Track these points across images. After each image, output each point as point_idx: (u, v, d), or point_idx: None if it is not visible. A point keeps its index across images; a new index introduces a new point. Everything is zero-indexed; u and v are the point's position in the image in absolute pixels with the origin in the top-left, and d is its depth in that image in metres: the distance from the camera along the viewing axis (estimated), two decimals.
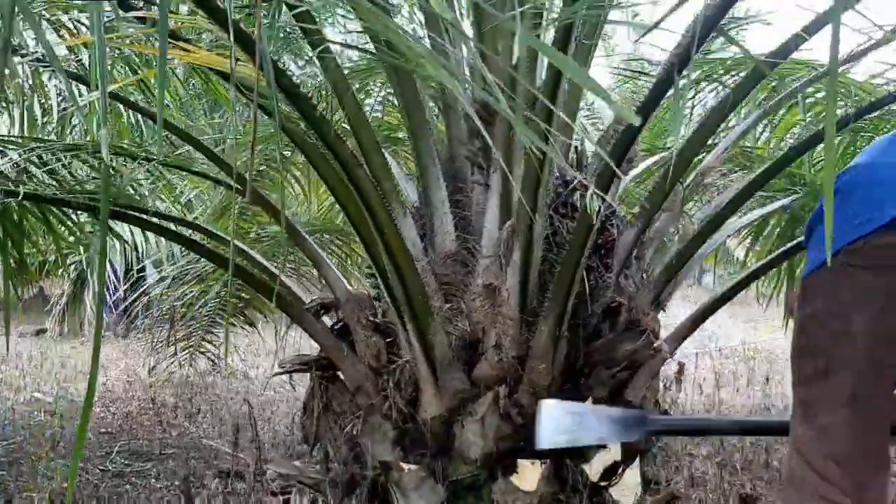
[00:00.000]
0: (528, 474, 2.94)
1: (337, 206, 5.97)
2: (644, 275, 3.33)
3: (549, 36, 3.43)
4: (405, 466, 2.96)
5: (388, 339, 3.23)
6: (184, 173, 4.79)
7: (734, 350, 9.69)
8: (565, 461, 3.00)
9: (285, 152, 5.50)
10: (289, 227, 3.33)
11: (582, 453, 3.02)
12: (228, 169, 3.35)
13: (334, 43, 2.50)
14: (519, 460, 2.94)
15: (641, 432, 2.32)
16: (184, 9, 2.28)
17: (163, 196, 4.64)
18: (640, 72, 3.92)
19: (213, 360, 7.33)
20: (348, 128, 2.82)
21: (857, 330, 1.66)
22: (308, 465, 3.52)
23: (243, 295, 6.05)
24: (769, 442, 4.81)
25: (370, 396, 3.16)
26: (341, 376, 3.46)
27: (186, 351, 6.57)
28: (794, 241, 3.72)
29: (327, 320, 3.55)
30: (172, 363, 6.62)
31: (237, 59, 1.92)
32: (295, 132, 2.55)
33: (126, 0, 2.20)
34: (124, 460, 4.77)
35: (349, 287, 3.41)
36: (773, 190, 4.38)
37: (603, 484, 3.07)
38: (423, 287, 2.84)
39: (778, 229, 4.95)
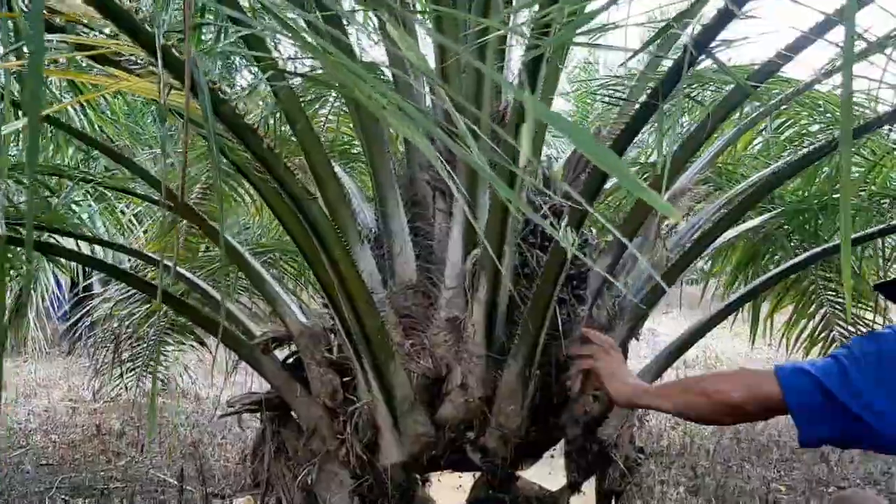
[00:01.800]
0: None
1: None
2: (616, 304, 3.13)
3: (514, 55, 3.26)
4: None
5: (345, 378, 3.01)
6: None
7: (696, 359, 9.61)
8: None
9: (229, 171, 5.27)
10: (231, 250, 3.08)
11: (555, 500, 2.83)
12: (165, 190, 3.10)
13: (288, 73, 2.26)
14: None
15: None
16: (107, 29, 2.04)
17: (102, 218, 4.38)
18: (620, 98, 3.73)
19: (162, 381, 7.04)
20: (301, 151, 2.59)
21: None
22: None
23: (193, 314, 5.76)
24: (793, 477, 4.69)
25: (325, 441, 2.92)
26: (293, 416, 3.23)
27: (133, 372, 6.27)
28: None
29: (278, 353, 3.31)
30: (118, 385, 6.31)
31: (171, 87, 1.68)
32: (239, 160, 2.31)
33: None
34: (65, 496, 4.48)
35: (302, 318, 3.17)
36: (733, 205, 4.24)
37: None
38: (383, 325, 2.61)
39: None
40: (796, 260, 3.44)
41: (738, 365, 8.89)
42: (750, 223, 3.80)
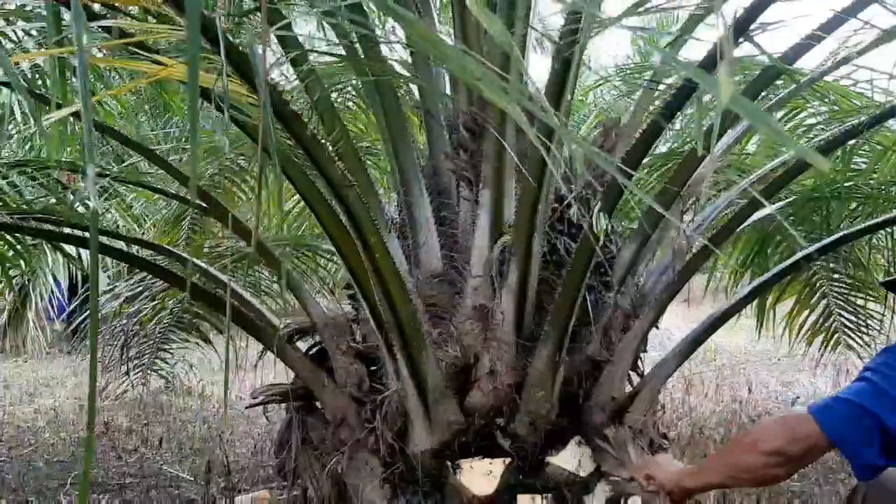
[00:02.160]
0: None
1: (293, 216, 5.79)
2: (638, 291, 3.15)
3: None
4: None
5: (371, 366, 3.03)
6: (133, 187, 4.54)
7: (695, 353, 9.62)
8: (566, 494, 2.82)
9: (241, 163, 5.27)
10: (260, 245, 3.08)
11: (585, 485, 2.84)
12: (186, 181, 3.11)
13: (319, 55, 2.27)
14: (519, 496, 2.75)
15: None
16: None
17: (117, 212, 4.37)
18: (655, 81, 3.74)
19: (166, 379, 7.02)
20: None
21: None
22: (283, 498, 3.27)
23: (196, 310, 5.77)
24: None
25: (354, 429, 2.93)
26: (318, 406, 3.25)
27: (139, 370, 6.25)
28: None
29: (301, 345, 3.32)
30: (125, 383, 6.29)
31: (218, 74, 1.69)
32: (277, 148, 2.32)
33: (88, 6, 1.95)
34: (78, 492, 4.47)
35: (325, 309, 3.18)
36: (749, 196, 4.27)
37: None
38: (415, 312, 2.63)
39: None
40: (815, 247, 3.42)
41: (736, 358, 8.94)
42: (762, 212, 3.81)
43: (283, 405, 3.58)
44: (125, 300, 5.32)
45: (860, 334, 5.86)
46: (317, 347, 3.23)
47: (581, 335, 2.88)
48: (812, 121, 4.62)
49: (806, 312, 5.90)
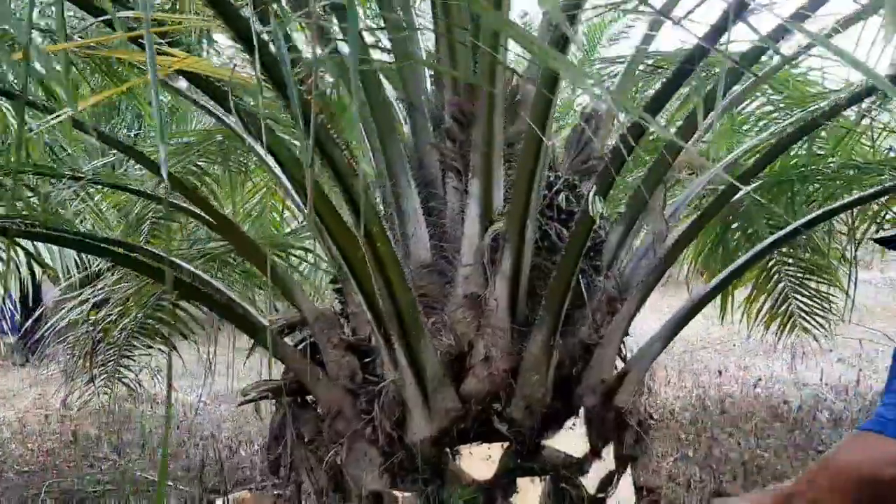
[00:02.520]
0: (530, 493, 2.79)
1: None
2: (621, 275, 3.22)
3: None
4: (398, 494, 2.77)
5: (364, 359, 3.05)
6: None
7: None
8: (562, 474, 2.87)
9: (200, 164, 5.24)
10: (249, 243, 3.08)
11: (580, 465, 2.90)
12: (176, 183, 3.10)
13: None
14: (518, 479, 2.79)
15: None
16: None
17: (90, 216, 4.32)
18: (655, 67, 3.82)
19: (129, 387, 6.94)
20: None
21: None
22: (275, 494, 3.27)
23: (162, 316, 5.71)
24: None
25: (350, 421, 2.95)
26: (309, 400, 3.26)
27: (102, 378, 6.16)
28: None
29: (288, 341, 3.32)
30: (88, 392, 6.19)
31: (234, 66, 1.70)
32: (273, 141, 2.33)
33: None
34: (54, 499, 4.41)
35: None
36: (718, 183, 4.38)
37: (600, 496, 2.95)
38: (414, 301, 2.65)
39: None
40: (786, 231, 3.50)
41: (693, 345, 9.07)
42: (739, 194, 3.89)
43: (257, 404, 3.60)
44: (92, 307, 5.25)
45: (815, 317, 6.04)
46: (305, 342, 3.23)
47: (572, 319, 2.93)
48: (769, 108, 4.77)
49: (763, 297, 6.05)
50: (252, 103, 2.63)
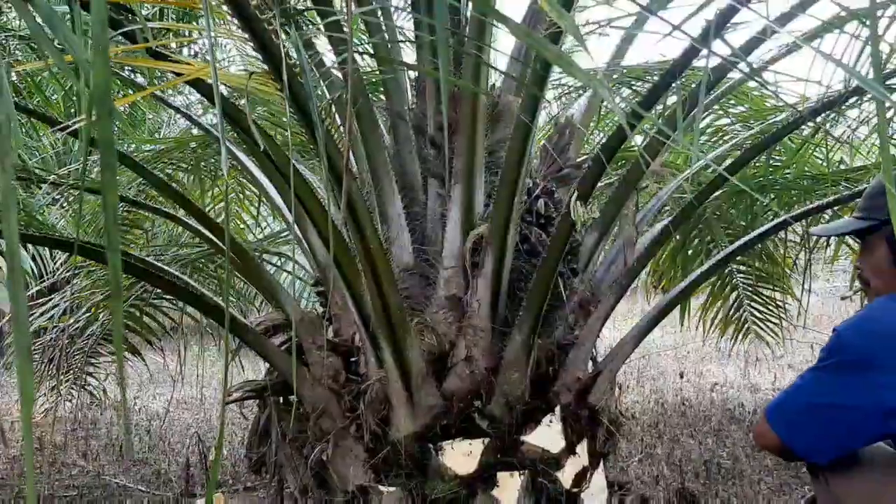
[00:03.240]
0: (509, 487, 2.90)
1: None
2: (593, 279, 3.35)
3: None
4: (383, 489, 2.86)
5: (350, 359, 3.14)
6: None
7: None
8: (539, 469, 2.99)
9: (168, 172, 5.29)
10: (236, 246, 3.16)
11: (556, 460, 3.02)
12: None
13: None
14: (499, 474, 2.90)
15: None
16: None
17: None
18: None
19: (92, 394, 6.93)
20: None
21: None
22: (266, 495, 3.34)
23: (129, 323, 5.73)
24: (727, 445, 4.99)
25: (335, 419, 3.04)
26: (292, 400, 3.33)
27: (66, 385, 6.15)
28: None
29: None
30: (53, 399, 6.17)
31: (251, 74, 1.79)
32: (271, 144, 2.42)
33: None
34: None
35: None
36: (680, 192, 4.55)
37: (575, 490, 3.07)
38: (402, 301, 2.76)
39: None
40: (744, 240, 3.65)
41: (648, 351, 9.27)
42: (710, 198, 4.03)
43: (239, 403, 3.66)
44: (63, 313, 5.25)
45: (769, 324, 6.26)
46: (287, 343, 3.31)
47: (550, 320, 3.06)
48: (725, 121, 4.98)
49: (718, 304, 6.25)
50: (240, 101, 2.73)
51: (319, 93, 2.42)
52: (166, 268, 3.40)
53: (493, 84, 3.36)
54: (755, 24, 2.64)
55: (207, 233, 3.24)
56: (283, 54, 1.48)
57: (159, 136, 6.55)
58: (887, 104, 3.29)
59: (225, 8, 1.64)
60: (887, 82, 3.40)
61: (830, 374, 1.83)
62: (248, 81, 1.78)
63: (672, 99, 3.72)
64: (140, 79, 4.02)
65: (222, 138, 1.01)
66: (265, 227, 6.17)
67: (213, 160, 4.92)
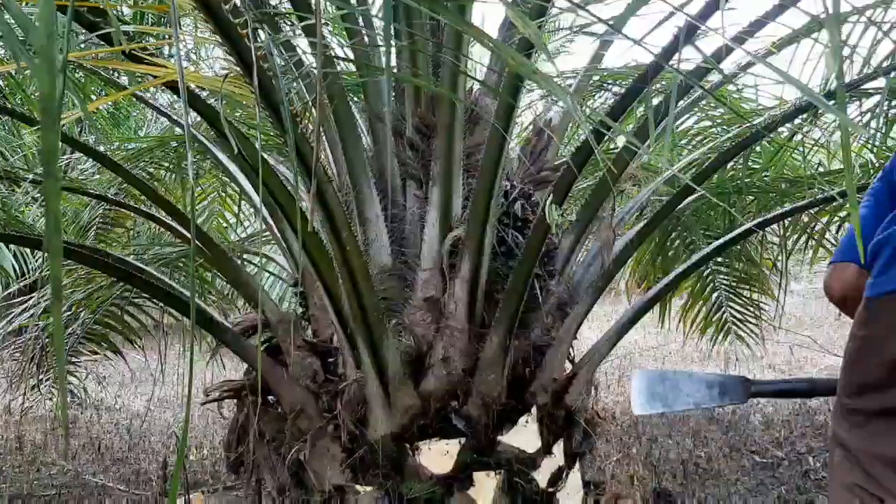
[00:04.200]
0: (485, 486, 2.93)
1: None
2: (569, 280, 3.38)
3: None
4: (360, 489, 2.88)
5: (328, 360, 3.16)
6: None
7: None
8: (515, 468, 3.02)
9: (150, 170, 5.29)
10: (214, 246, 3.17)
11: (532, 460, 3.04)
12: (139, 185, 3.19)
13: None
14: (475, 473, 2.93)
15: (743, 396, 2.18)
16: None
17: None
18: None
19: (74, 393, 6.93)
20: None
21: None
22: (244, 495, 3.35)
23: (110, 321, 5.73)
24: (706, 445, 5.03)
25: (313, 419, 3.05)
26: (270, 400, 3.35)
27: (46, 384, 6.13)
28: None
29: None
30: (32, 398, 6.15)
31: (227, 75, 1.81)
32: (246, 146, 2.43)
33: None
34: None
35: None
36: (659, 194, 4.59)
37: (551, 490, 3.10)
38: (379, 302, 2.78)
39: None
40: (721, 241, 3.69)
41: (630, 352, 9.31)
42: (687, 201, 4.06)
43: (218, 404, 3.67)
44: (42, 312, 5.24)
45: (749, 325, 6.31)
46: (267, 343, 3.33)
47: (526, 321, 3.08)
48: (706, 123, 5.02)
49: (699, 305, 6.30)
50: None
51: (296, 94, 2.42)
52: (145, 267, 3.40)
53: (472, 87, 3.38)
54: (729, 29, 2.68)
55: (185, 231, 3.23)
56: (254, 57, 1.50)
57: (142, 133, 6.53)
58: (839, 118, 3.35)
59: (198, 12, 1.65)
60: (863, 86, 3.44)
61: (872, 189, 1.88)
62: (223, 84, 1.79)
63: (655, 100, 3.75)
64: (124, 79, 4.02)
65: (188, 143, 1.02)
66: (247, 227, 6.18)
67: (194, 159, 4.92)
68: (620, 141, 3.15)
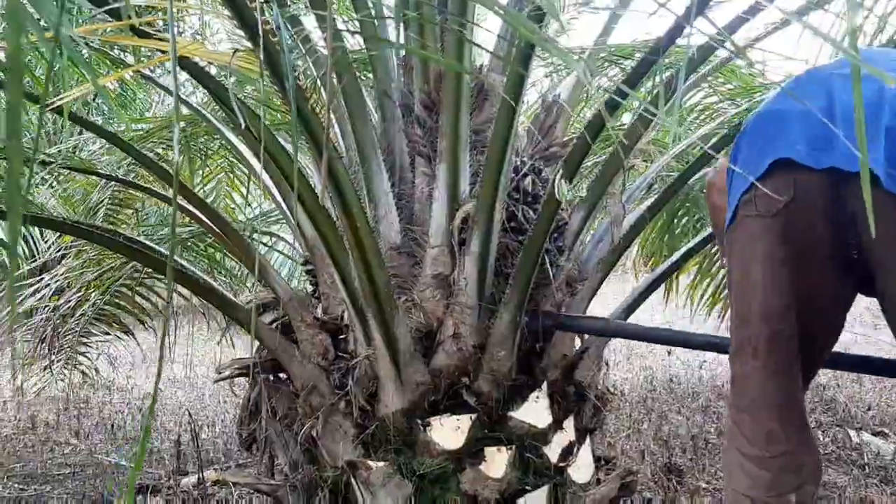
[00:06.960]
0: (496, 461, 2.94)
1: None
2: (578, 256, 3.38)
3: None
4: (372, 464, 2.90)
5: (339, 337, 3.17)
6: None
7: None
8: (526, 443, 3.03)
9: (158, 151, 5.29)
10: (224, 224, 3.18)
11: (543, 435, 3.05)
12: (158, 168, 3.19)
13: None
14: (486, 448, 2.94)
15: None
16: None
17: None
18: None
19: (84, 374, 6.96)
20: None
21: (757, 280, 1.73)
22: (256, 472, 3.38)
23: (121, 302, 5.76)
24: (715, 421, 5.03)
25: (325, 396, 3.07)
26: (282, 377, 3.37)
27: (58, 365, 6.18)
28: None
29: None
30: (44, 379, 6.20)
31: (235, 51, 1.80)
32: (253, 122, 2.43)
33: None
34: (18, 485, 4.44)
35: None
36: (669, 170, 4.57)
37: (562, 464, 3.11)
38: (390, 279, 2.78)
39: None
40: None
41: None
42: (694, 178, 4.05)
43: (230, 382, 3.69)
44: (53, 293, 5.28)
45: None
46: (277, 321, 3.34)
47: (536, 297, 3.08)
48: (713, 98, 4.99)
49: (707, 281, 6.29)
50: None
51: (304, 72, 2.41)
52: (155, 246, 3.41)
53: (481, 64, 3.37)
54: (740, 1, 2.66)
55: (196, 211, 3.24)
56: (261, 30, 1.49)
57: (150, 115, 6.54)
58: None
59: None
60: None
61: None
62: (232, 59, 1.79)
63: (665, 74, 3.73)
64: (130, 58, 4.03)
65: (177, 124, 1.02)
66: (256, 207, 6.20)
67: (202, 139, 4.94)
68: (627, 119, 3.14)
